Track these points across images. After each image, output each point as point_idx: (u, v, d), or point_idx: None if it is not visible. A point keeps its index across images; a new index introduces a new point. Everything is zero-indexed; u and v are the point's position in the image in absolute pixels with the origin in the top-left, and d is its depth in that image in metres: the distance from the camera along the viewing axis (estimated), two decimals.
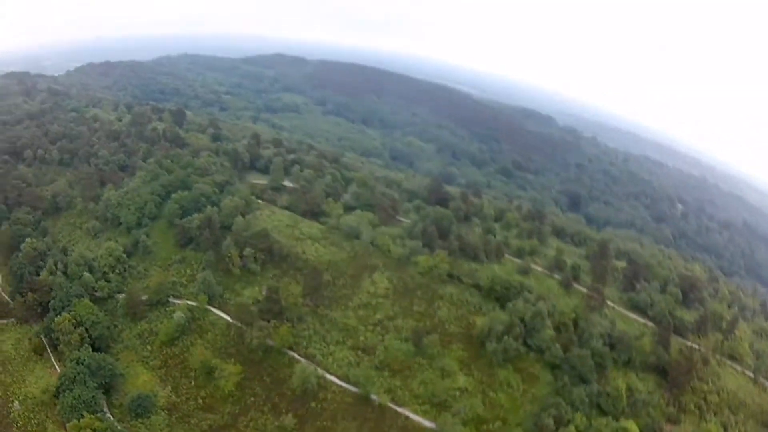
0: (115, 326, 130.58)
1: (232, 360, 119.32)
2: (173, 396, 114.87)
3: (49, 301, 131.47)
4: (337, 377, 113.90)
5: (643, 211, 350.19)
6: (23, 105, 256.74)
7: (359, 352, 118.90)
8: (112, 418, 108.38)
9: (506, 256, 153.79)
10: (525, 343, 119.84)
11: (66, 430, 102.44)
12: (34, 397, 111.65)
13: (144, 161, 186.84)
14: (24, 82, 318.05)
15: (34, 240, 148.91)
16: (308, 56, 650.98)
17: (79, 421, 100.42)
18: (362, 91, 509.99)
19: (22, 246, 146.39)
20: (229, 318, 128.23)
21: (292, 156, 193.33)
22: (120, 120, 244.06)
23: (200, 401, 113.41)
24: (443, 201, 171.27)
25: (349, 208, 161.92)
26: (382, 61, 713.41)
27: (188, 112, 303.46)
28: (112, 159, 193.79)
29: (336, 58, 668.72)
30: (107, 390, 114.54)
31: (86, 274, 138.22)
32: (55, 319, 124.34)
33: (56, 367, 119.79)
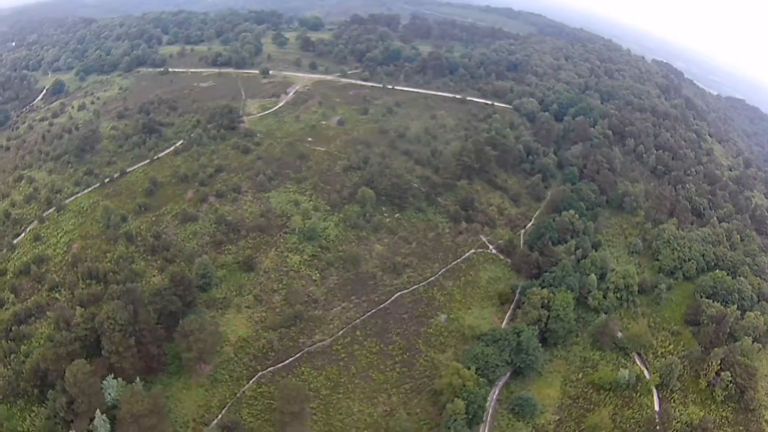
0: (576, 336, 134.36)
1: None
2: (551, 425, 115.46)
3: (546, 271, 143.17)
4: None
5: None
6: (655, 98, 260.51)
7: None
8: (493, 395, 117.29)
9: None
10: None
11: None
12: (462, 325, 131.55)
13: None
14: (668, 78, 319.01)
15: (575, 214, 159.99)
16: None
17: (462, 369, 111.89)
18: None
19: (563, 213, 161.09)
20: (657, 408, 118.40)
21: None
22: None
23: None
24: None
25: None
26: None
27: None
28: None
29: None
30: (518, 372, 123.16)
31: (592, 276, 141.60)
32: (533, 288, 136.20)
33: (504, 321, 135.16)
